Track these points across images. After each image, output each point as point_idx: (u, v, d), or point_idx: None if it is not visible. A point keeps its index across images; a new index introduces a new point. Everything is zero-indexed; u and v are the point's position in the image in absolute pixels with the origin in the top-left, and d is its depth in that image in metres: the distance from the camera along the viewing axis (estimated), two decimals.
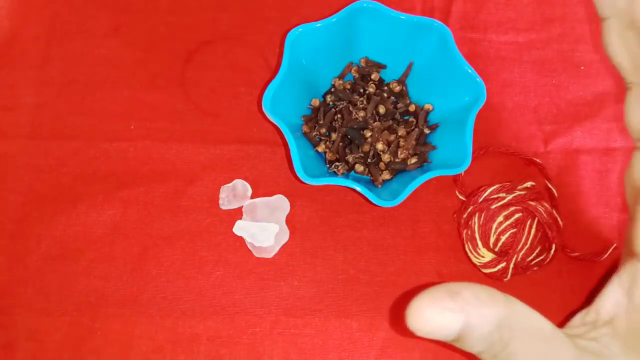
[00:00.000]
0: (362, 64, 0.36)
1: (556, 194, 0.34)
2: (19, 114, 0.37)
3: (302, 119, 0.35)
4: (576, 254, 0.33)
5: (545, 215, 0.31)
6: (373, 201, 0.30)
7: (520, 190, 0.32)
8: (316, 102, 0.35)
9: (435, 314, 0.19)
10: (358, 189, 0.31)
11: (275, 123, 0.32)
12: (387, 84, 0.36)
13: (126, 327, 0.33)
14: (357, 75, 0.36)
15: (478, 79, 0.32)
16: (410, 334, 0.33)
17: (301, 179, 0.30)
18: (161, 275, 0.34)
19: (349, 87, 0.36)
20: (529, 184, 0.33)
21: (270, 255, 0.34)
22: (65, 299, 0.33)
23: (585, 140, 0.37)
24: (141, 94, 0.38)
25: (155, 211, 0.35)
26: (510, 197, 0.32)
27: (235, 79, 0.38)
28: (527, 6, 0.40)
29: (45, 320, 0.33)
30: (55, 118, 0.37)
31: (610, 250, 0.33)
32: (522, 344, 0.21)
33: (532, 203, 0.31)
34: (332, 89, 0.36)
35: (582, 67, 0.39)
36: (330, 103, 0.36)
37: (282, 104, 0.32)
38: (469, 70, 0.32)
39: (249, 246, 0.34)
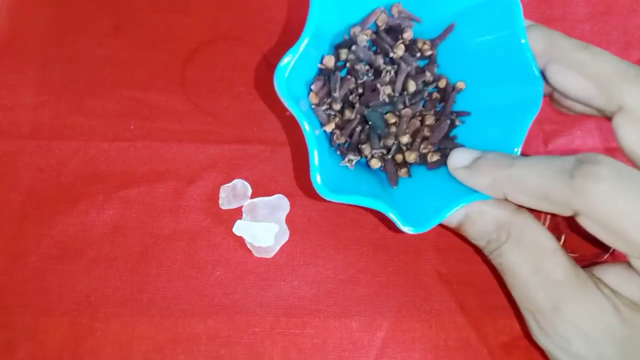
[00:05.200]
0: (394, 13, 0.28)
1: None
2: (19, 114, 0.37)
3: (312, 87, 0.27)
4: (576, 254, 0.33)
5: (548, 221, 0.31)
6: (401, 228, 0.25)
7: None
8: (330, 61, 0.27)
9: None
10: (389, 215, 0.25)
11: (291, 110, 0.25)
12: (415, 42, 0.28)
13: (126, 327, 0.33)
14: (382, 27, 0.28)
15: (539, 84, 0.25)
16: (410, 334, 0.33)
17: (320, 194, 0.25)
18: (161, 275, 0.34)
19: (371, 38, 0.28)
20: None
21: (270, 255, 0.34)
22: (65, 298, 0.33)
23: (585, 140, 0.37)
24: (141, 94, 0.38)
25: (155, 211, 0.35)
26: None
27: (235, 79, 0.38)
28: (527, 6, 0.40)
29: (45, 320, 0.33)
30: (55, 118, 0.37)
31: (611, 250, 0.33)
32: (514, 248, 0.24)
33: None
34: (354, 47, 0.27)
35: None
36: (346, 62, 0.28)
37: (297, 82, 0.26)
38: (530, 60, 0.25)
39: (249, 246, 0.34)
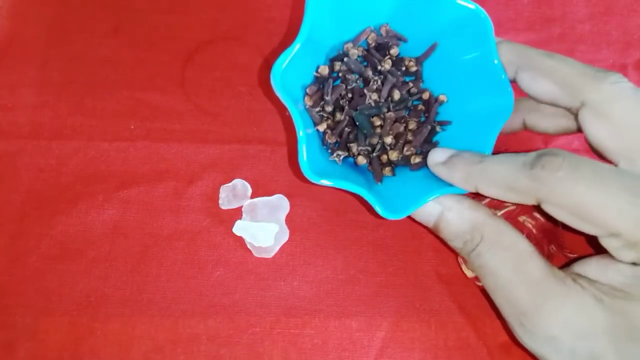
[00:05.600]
0: (383, 33, 0.31)
1: None
2: (19, 114, 0.37)
3: (307, 90, 0.30)
4: (575, 255, 0.33)
5: (535, 231, 0.30)
6: (379, 212, 0.28)
7: (510, 204, 0.31)
8: (325, 70, 0.30)
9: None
10: (369, 200, 0.28)
11: (284, 102, 0.28)
12: (402, 60, 0.32)
13: (126, 327, 0.33)
14: (372, 44, 0.32)
15: (509, 92, 0.28)
16: (409, 334, 0.33)
17: (307, 177, 0.27)
18: (161, 275, 0.34)
19: (361, 53, 0.31)
20: None
21: (270, 255, 0.34)
22: (65, 298, 0.33)
23: (585, 141, 0.37)
24: (141, 94, 0.38)
25: (155, 211, 0.35)
26: (500, 213, 0.31)
27: (235, 79, 0.38)
28: (527, 6, 0.40)
29: (45, 320, 0.33)
30: (55, 118, 0.37)
31: None
32: (492, 249, 0.25)
33: (521, 219, 0.30)
34: (345, 59, 0.31)
35: None
36: (338, 73, 0.31)
37: (292, 80, 0.29)
38: (502, 77, 0.28)
39: (248, 246, 0.34)
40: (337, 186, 0.28)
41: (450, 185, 0.27)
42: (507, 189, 0.25)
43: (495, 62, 0.28)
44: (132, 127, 0.37)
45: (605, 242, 0.24)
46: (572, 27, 0.40)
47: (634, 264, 0.24)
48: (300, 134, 0.27)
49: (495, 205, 0.31)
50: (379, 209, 0.27)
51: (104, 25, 0.39)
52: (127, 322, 0.33)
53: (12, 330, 0.33)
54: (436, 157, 0.28)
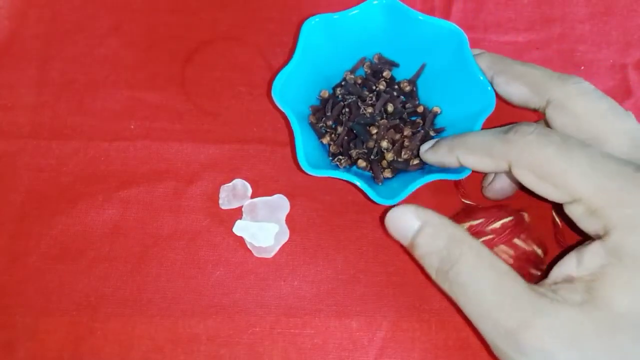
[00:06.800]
0: (375, 60, 0.36)
1: None
2: (19, 114, 0.37)
3: (310, 109, 0.35)
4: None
5: (512, 262, 0.30)
6: (372, 198, 0.30)
7: (491, 231, 0.31)
8: (325, 93, 0.35)
9: (400, 213, 0.28)
10: (358, 184, 0.30)
11: (283, 110, 0.31)
12: (398, 83, 0.36)
13: (126, 327, 0.33)
14: (368, 71, 0.36)
15: (489, 88, 0.32)
16: (409, 334, 0.33)
17: (303, 168, 0.30)
18: (161, 275, 0.34)
19: (359, 81, 0.36)
20: (498, 223, 0.31)
21: (270, 255, 0.34)
22: (65, 298, 0.33)
23: None
24: (141, 94, 0.38)
25: (155, 211, 0.35)
26: (480, 240, 0.30)
27: (235, 79, 0.38)
28: (527, 6, 0.40)
29: (45, 320, 0.33)
30: (55, 118, 0.37)
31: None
32: (469, 267, 0.25)
33: (497, 249, 0.30)
34: (343, 82, 0.36)
35: (582, 67, 0.39)
36: (339, 96, 0.35)
37: (291, 92, 0.32)
38: (481, 78, 0.32)
39: (249, 246, 0.34)
40: (330, 175, 0.30)
41: (440, 171, 0.31)
42: (484, 154, 0.27)
43: (481, 77, 0.32)
44: (132, 127, 0.37)
45: (569, 210, 0.25)
46: (572, 27, 0.40)
47: (599, 236, 0.24)
48: (298, 147, 0.30)
49: (474, 233, 0.31)
50: (370, 194, 0.30)
51: (104, 25, 0.39)
52: (127, 322, 0.33)
53: (12, 330, 0.33)
54: (425, 145, 0.32)
